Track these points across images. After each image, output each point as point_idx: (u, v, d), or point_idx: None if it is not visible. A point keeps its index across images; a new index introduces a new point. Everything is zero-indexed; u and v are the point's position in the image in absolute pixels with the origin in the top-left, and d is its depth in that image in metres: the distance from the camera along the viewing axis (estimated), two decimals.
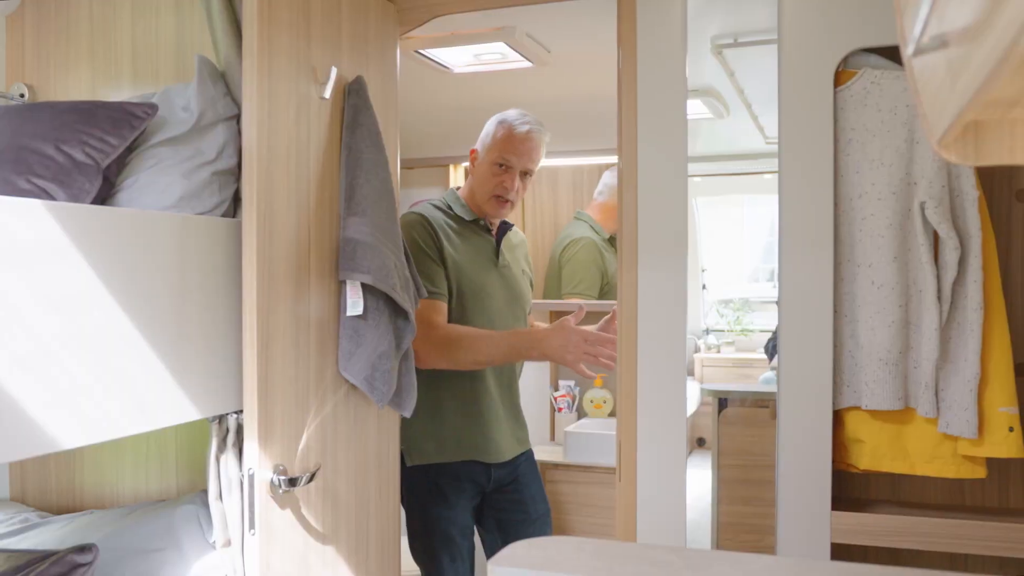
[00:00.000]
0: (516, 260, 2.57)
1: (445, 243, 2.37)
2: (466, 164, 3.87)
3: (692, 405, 5.32)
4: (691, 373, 6.35)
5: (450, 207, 2.47)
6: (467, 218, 2.46)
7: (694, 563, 1.07)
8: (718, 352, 6.51)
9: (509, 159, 2.39)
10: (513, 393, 2.54)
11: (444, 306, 2.35)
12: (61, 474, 2.19)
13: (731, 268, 6.87)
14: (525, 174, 2.44)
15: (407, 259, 2.06)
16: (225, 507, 1.72)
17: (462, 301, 2.38)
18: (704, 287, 6.69)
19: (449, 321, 2.36)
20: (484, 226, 2.48)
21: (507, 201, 2.43)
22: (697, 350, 6.57)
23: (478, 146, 2.48)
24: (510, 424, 2.50)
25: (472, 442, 2.39)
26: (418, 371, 2.16)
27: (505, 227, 2.53)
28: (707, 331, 6.64)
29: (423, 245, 2.33)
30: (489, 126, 2.47)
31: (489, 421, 2.42)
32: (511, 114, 2.45)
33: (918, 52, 0.83)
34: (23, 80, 2.19)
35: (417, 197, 3.86)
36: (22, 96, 2.16)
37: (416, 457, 2.39)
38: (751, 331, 6.37)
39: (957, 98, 0.83)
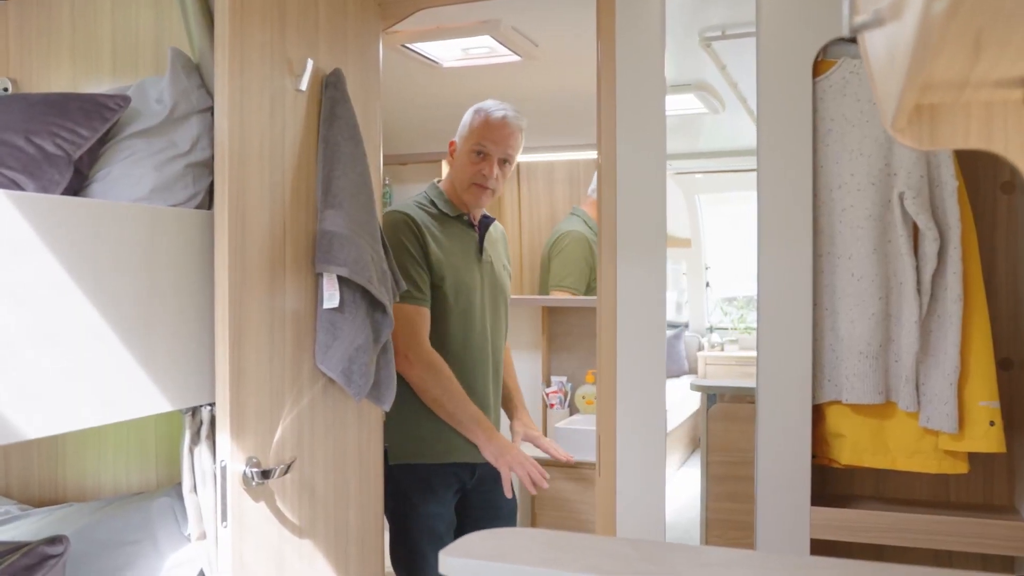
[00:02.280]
0: (497, 255, 2.57)
1: (430, 241, 2.36)
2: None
3: (693, 404, 5.29)
4: (694, 371, 6.32)
5: (433, 203, 2.46)
6: (451, 214, 2.45)
7: (648, 554, 1.05)
8: (722, 350, 6.47)
9: (486, 146, 2.39)
10: (498, 389, 2.53)
11: (428, 314, 2.35)
12: (44, 467, 2.20)
13: (735, 266, 6.83)
14: (504, 162, 2.43)
15: (386, 252, 2.05)
16: (200, 500, 1.72)
17: (447, 297, 2.37)
18: (708, 285, 6.65)
19: (433, 317, 2.35)
20: (467, 221, 2.48)
21: (486, 189, 2.42)
22: (701, 348, 6.54)
23: (456, 137, 2.48)
24: (495, 420, 2.49)
25: (455, 444, 2.37)
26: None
27: (487, 221, 2.52)
28: (711, 329, 6.61)
29: (408, 247, 2.32)
30: (466, 116, 2.47)
31: None
32: (488, 103, 2.45)
33: (853, 30, 0.81)
34: (7, 75, 2.20)
35: (412, 192, 3.85)
36: (5, 90, 2.17)
37: (400, 456, 2.37)
38: (755, 329, 6.32)
39: (896, 79, 0.82)
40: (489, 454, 2.32)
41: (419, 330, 2.31)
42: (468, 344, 2.41)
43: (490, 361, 2.47)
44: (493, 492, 2.47)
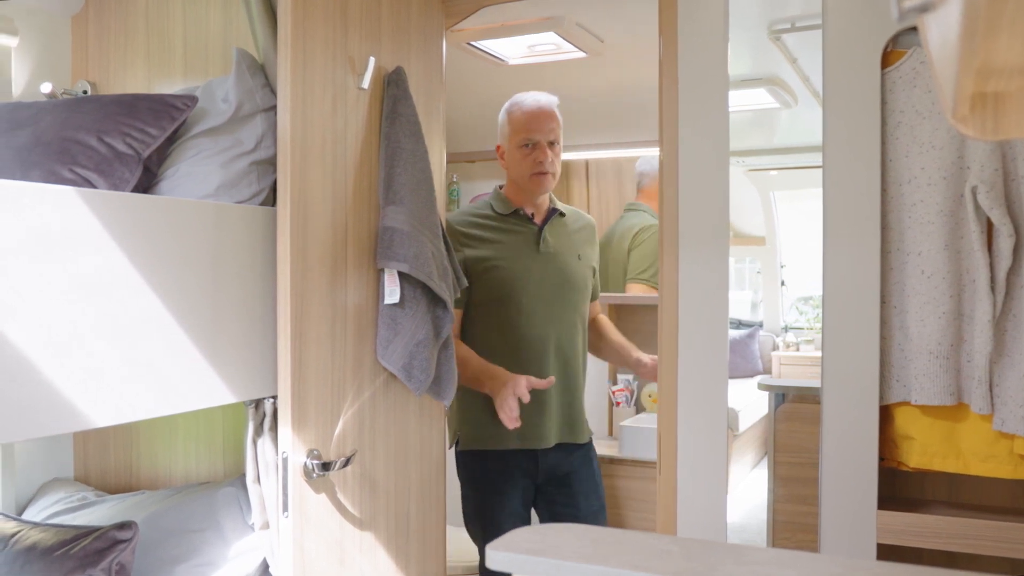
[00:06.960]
0: (570, 245, 2.55)
1: (465, 243, 2.42)
2: None
3: (765, 407, 5.19)
4: (769, 371, 6.20)
5: (491, 205, 2.53)
6: (505, 212, 2.49)
7: (693, 553, 1.04)
8: (797, 350, 6.34)
9: (532, 136, 2.44)
10: (569, 380, 2.51)
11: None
12: (119, 456, 2.28)
13: (811, 264, 6.67)
14: (552, 144, 2.46)
15: (447, 249, 2.06)
16: (263, 490, 1.76)
17: (492, 291, 2.41)
18: (783, 284, 6.52)
19: (479, 312, 2.42)
20: (524, 216, 2.50)
21: (545, 174, 2.45)
22: (775, 348, 6.41)
23: (499, 140, 2.53)
24: (561, 412, 2.48)
25: (507, 432, 2.36)
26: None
27: (552, 213, 2.53)
28: (786, 328, 6.48)
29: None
30: (501, 116, 2.53)
31: (535, 406, 2.40)
32: (516, 97, 2.51)
33: (903, 16, 0.79)
34: (87, 77, 2.28)
35: (479, 190, 3.89)
36: (85, 93, 2.25)
37: (464, 442, 2.48)
38: None
39: (951, 65, 0.79)
40: (490, 390, 2.27)
41: None
42: (519, 335, 2.42)
43: (551, 351, 2.45)
44: (572, 488, 2.51)
